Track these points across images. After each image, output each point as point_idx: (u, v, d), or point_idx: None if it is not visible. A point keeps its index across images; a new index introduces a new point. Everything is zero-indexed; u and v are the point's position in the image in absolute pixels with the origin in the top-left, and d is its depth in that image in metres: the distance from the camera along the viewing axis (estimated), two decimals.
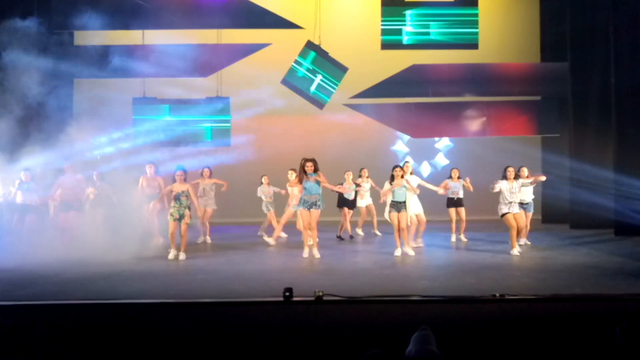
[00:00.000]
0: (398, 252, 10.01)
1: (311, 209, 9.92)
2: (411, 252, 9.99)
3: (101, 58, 13.08)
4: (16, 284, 7.87)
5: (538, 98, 14.86)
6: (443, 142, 16.25)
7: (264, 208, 12.58)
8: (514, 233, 10.15)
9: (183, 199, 9.82)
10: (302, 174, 9.89)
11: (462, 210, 11.73)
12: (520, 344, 5.81)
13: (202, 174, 11.98)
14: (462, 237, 11.76)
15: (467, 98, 14.46)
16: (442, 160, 16.22)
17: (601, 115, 13.28)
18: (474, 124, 14.40)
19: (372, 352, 3.99)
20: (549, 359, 5.28)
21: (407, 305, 6.65)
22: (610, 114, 12.63)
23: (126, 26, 13.29)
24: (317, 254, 9.88)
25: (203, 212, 11.73)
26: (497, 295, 6.71)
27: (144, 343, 6.09)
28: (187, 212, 9.88)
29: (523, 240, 10.96)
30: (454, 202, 11.71)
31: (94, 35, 13.85)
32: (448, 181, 11.70)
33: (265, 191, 12.54)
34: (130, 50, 13.58)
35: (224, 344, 6.12)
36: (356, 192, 12.32)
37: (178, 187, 9.88)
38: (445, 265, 9.47)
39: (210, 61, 13.82)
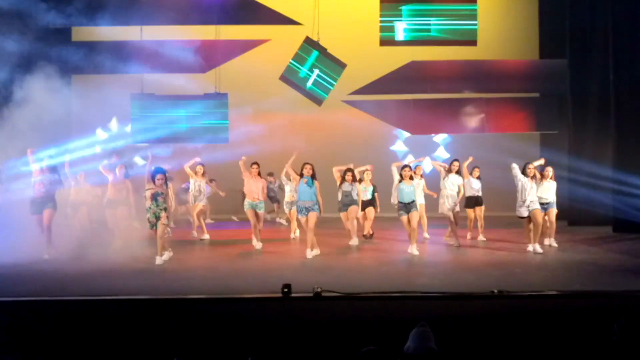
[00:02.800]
0: (414, 251, 9.87)
1: (308, 214, 9.74)
2: (416, 252, 9.86)
3: (99, 54, 13.01)
4: (17, 280, 7.88)
5: (537, 95, 14.85)
6: (441, 136, 16.25)
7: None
8: (527, 232, 10.05)
9: (160, 200, 9.34)
10: (299, 176, 9.82)
11: (482, 208, 11.42)
12: (518, 341, 5.81)
13: (195, 171, 11.91)
14: (481, 237, 11.36)
15: (465, 95, 14.45)
16: (442, 154, 16.24)
17: (600, 112, 13.28)
18: (473, 121, 14.38)
19: (367, 349, 3.97)
20: (548, 356, 5.27)
21: (406, 301, 6.66)
22: (610, 110, 12.63)
23: (124, 22, 13.21)
24: (309, 254, 9.68)
25: (192, 206, 11.78)
26: (496, 291, 6.73)
27: (144, 339, 6.08)
28: (163, 214, 9.29)
29: (548, 241, 10.58)
30: (475, 201, 11.37)
31: (92, 31, 13.81)
32: (470, 179, 11.36)
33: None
34: (128, 46, 13.52)
35: (223, 340, 6.10)
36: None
37: (157, 188, 9.33)
38: (445, 262, 9.47)
39: (208, 57, 13.75)
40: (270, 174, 14.39)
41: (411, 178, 10.16)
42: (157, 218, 9.28)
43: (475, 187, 11.37)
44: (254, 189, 10.62)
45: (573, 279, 7.85)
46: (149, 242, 9.96)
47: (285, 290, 6.51)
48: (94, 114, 14.46)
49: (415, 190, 10.34)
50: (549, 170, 10.46)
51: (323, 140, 15.21)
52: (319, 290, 6.57)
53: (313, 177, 9.79)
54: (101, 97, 13.90)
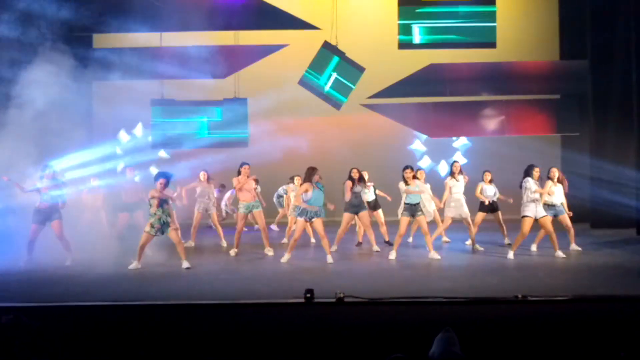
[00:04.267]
0: (434, 255, 9.73)
1: (312, 220, 9.62)
2: (437, 257, 9.70)
3: (120, 60, 13.14)
4: (41, 285, 7.98)
5: (557, 96, 14.70)
6: (461, 141, 16.15)
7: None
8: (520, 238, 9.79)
9: (166, 206, 9.23)
10: (308, 182, 9.63)
11: (499, 213, 11.09)
12: (543, 346, 5.76)
13: (199, 178, 11.89)
14: (506, 240, 11.10)
15: (485, 97, 14.36)
16: (460, 159, 16.12)
17: (622, 112, 13.12)
18: (492, 123, 14.29)
19: (394, 356, 3.97)
20: None
21: (429, 306, 6.64)
22: (632, 111, 12.47)
23: (144, 29, 13.34)
24: (330, 259, 9.58)
25: (199, 216, 11.72)
26: (520, 296, 6.68)
27: (167, 344, 6.12)
28: (171, 219, 9.25)
29: (572, 246, 10.32)
30: (488, 207, 11.02)
31: (112, 38, 13.96)
32: (482, 184, 11.08)
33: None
34: (148, 53, 13.65)
35: (245, 345, 6.12)
36: None
37: (160, 194, 9.23)
38: (466, 265, 9.41)
39: (227, 62, 13.84)
40: (292, 178, 14.34)
41: (415, 177, 10.00)
42: (163, 224, 9.20)
43: (489, 193, 11.03)
44: (249, 190, 10.52)
45: (597, 282, 7.77)
46: (166, 246, 10.02)
47: (308, 295, 6.52)
48: (115, 120, 14.60)
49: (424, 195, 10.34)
50: (554, 171, 10.16)
51: (342, 144, 15.21)
52: (342, 295, 6.57)
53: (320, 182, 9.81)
54: (122, 103, 14.04)
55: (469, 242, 10.93)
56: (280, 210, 13.89)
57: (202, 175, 11.88)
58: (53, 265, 9.33)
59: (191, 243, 11.63)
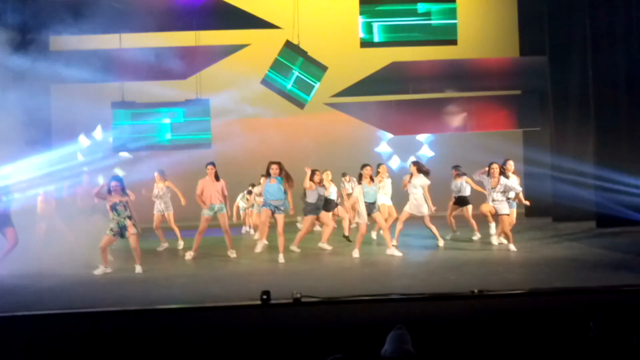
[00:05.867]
0: (394, 252, 9.82)
1: (275, 213, 9.84)
2: (398, 253, 9.78)
3: (78, 63, 12.90)
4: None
5: (518, 92, 14.88)
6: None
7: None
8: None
9: (120, 209, 9.11)
10: (266, 176, 9.90)
11: (467, 208, 11.39)
12: (497, 340, 5.80)
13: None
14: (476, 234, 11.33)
15: (447, 94, 14.45)
16: (427, 153, 16.28)
17: (581, 108, 13.31)
18: (455, 120, 14.39)
19: (333, 358, 3.96)
20: (526, 355, 5.26)
21: (386, 304, 6.65)
22: (590, 106, 12.67)
23: (103, 30, 13.10)
24: (281, 259, 9.63)
25: (161, 217, 11.52)
26: (476, 291, 6.72)
27: (123, 351, 6.03)
28: (129, 222, 9.14)
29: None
30: (459, 201, 11.41)
31: (70, 40, 13.70)
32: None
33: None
34: (107, 55, 13.42)
35: (202, 349, 6.06)
36: None
37: (114, 198, 9.19)
38: (427, 262, 9.46)
39: (189, 63, 13.68)
40: (252, 185, 14.28)
41: (372, 179, 10.05)
42: (121, 228, 9.13)
43: (454, 188, 11.42)
44: (213, 192, 10.33)
45: (554, 276, 7.86)
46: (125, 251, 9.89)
47: (264, 297, 6.46)
48: (74, 124, 14.36)
49: (381, 190, 10.47)
50: (510, 164, 10.68)
51: (306, 143, 15.18)
52: (299, 295, 6.53)
53: (282, 176, 9.85)
54: (81, 106, 13.81)
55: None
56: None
57: (156, 177, 11.64)
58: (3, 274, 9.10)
59: (180, 243, 11.49)
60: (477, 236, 11.15)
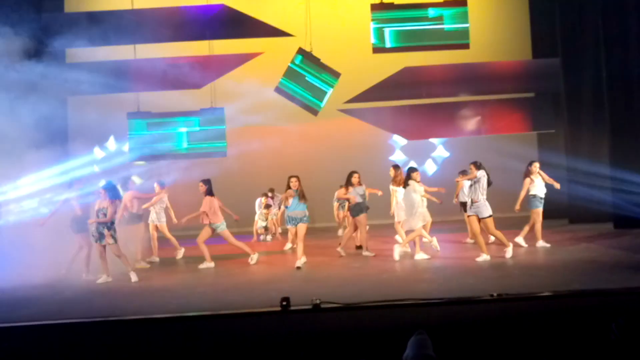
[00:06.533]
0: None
1: (298, 225, 9.98)
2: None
3: (94, 75, 13.06)
4: (14, 304, 7.89)
5: (532, 95, 14.85)
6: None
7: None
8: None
9: (101, 215, 9.22)
10: (287, 189, 10.03)
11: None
12: (518, 343, 5.80)
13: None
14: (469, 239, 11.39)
15: (460, 98, 14.43)
16: (442, 153, 16.32)
17: (595, 108, 13.28)
18: (469, 124, 14.36)
19: None
20: (547, 357, 5.26)
21: (406, 309, 6.66)
22: (604, 107, 12.63)
23: (118, 42, 13.27)
24: (299, 263, 9.78)
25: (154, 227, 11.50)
26: (495, 295, 6.72)
27: (144, 359, 6.09)
28: (106, 232, 9.20)
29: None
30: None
31: (85, 52, 13.88)
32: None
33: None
34: (123, 66, 13.58)
35: (223, 356, 6.11)
36: None
37: (100, 204, 9.32)
38: (444, 267, 9.44)
39: (203, 73, 13.78)
40: (271, 190, 14.32)
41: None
42: (100, 233, 9.22)
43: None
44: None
45: (572, 278, 7.84)
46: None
47: (284, 303, 6.51)
48: (91, 135, 14.52)
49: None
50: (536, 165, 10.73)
51: (320, 150, 15.26)
52: (318, 302, 6.57)
53: (299, 189, 10.00)
54: (98, 117, 13.97)
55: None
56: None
57: (156, 187, 11.54)
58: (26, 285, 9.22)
59: (180, 252, 11.57)
60: (471, 241, 11.17)
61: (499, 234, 9.78)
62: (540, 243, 10.50)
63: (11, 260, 9.79)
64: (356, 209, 10.62)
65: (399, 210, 10.46)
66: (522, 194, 10.60)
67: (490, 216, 9.64)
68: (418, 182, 10.12)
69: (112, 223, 9.32)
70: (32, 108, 11.40)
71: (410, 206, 10.06)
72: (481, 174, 9.64)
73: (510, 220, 11.90)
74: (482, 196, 9.60)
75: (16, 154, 11.35)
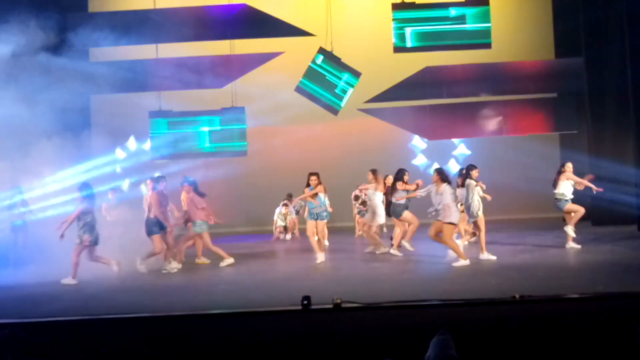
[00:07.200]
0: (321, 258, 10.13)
1: (318, 220, 10.20)
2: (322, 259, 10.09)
3: (116, 74, 13.19)
4: (40, 300, 8.00)
5: (554, 95, 14.70)
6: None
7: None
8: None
9: (81, 216, 9.33)
10: (307, 187, 10.24)
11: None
12: (541, 346, 5.75)
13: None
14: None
15: (482, 98, 14.34)
16: (465, 151, 16.26)
17: (619, 109, 13.10)
18: (491, 124, 14.26)
19: None
20: None
21: (427, 309, 6.61)
22: (629, 107, 12.46)
23: (140, 41, 13.42)
24: (320, 257, 10.08)
25: None
26: (517, 296, 6.65)
27: (168, 355, 6.13)
28: (83, 235, 9.29)
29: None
30: None
31: (108, 51, 14.03)
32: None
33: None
34: (145, 65, 13.71)
35: (244, 354, 6.13)
36: None
37: (82, 206, 9.42)
38: (465, 267, 9.37)
39: (224, 72, 13.88)
40: (289, 195, 14.34)
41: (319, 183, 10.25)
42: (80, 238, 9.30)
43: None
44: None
45: (596, 280, 7.74)
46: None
47: (305, 302, 6.51)
48: (114, 133, 14.65)
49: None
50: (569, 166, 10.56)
51: (340, 149, 15.25)
52: (339, 301, 6.55)
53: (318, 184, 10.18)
54: (120, 116, 14.10)
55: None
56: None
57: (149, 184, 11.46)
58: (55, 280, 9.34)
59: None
60: (466, 242, 10.93)
61: (454, 244, 9.56)
62: (570, 244, 10.39)
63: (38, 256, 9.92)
64: (397, 210, 10.50)
65: (452, 211, 9.50)
66: (577, 180, 10.48)
67: (451, 223, 9.37)
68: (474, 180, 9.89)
69: (85, 224, 9.30)
70: (55, 106, 11.54)
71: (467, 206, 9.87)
72: (445, 189, 9.36)
73: (535, 222, 11.76)
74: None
75: (38, 149, 11.50)
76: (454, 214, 9.29)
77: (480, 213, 9.78)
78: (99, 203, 10.75)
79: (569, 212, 10.49)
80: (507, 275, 8.38)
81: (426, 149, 16.29)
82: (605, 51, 13.26)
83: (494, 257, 9.65)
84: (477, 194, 9.83)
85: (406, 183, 10.53)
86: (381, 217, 10.95)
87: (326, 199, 10.33)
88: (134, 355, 6.13)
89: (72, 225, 9.35)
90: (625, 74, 12.48)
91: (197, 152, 14.08)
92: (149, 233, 9.84)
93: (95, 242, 9.43)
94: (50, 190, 11.46)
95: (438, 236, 9.49)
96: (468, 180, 9.83)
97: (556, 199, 10.49)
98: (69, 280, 9.22)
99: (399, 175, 10.56)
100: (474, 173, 9.84)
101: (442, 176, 9.47)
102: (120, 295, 8.20)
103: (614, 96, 13.27)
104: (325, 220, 10.37)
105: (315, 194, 10.15)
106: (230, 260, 10.24)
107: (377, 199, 10.94)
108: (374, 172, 11.11)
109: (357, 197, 13.25)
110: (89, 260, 9.48)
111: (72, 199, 10.21)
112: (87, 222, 9.32)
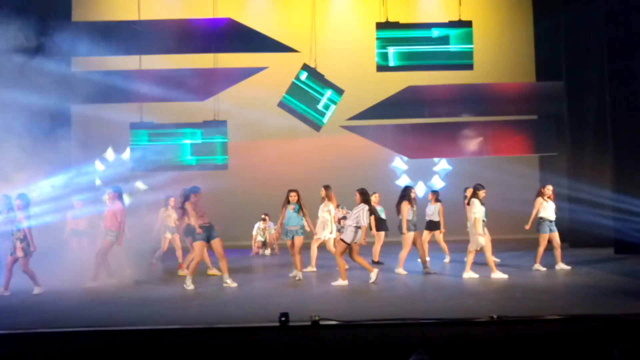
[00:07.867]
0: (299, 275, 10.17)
1: (294, 238, 10.18)
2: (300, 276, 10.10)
3: (98, 84, 13.08)
4: (14, 312, 7.84)
5: (535, 117, 14.89)
6: (441, 165, 16.37)
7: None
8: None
9: (14, 229, 9.15)
10: (285, 203, 10.25)
11: (438, 233, 11.80)
12: None
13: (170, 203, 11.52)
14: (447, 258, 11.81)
15: (463, 118, 14.49)
16: (438, 183, 16.37)
17: (598, 133, 13.31)
18: (471, 144, 14.40)
19: None
20: None
21: (405, 328, 6.58)
22: (607, 132, 12.65)
23: (123, 52, 13.35)
24: (298, 275, 10.12)
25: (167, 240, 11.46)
26: (495, 316, 6.66)
27: None
28: (18, 244, 9.05)
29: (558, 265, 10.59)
30: (431, 225, 11.78)
31: (91, 61, 13.93)
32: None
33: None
34: (127, 76, 13.62)
35: None
36: None
37: (18, 215, 9.22)
38: (445, 286, 9.38)
39: (207, 85, 13.86)
40: (266, 215, 14.31)
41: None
42: (14, 246, 9.10)
43: (428, 212, 11.85)
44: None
45: (573, 302, 7.78)
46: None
47: (283, 319, 6.44)
48: (94, 144, 14.53)
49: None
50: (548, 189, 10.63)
51: (322, 166, 15.25)
52: (317, 318, 6.50)
53: (299, 203, 10.21)
54: (101, 126, 13.96)
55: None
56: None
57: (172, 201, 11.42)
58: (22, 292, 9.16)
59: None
60: (447, 259, 11.69)
61: (342, 263, 9.66)
62: (537, 266, 10.48)
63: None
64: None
65: (348, 231, 9.60)
66: (534, 213, 10.50)
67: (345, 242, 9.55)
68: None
69: (25, 235, 9.10)
70: (36, 116, 11.40)
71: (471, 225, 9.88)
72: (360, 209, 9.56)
73: (512, 242, 11.85)
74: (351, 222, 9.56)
75: (20, 161, 11.32)
76: (348, 233, 9.50)
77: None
78: (65, 213, 10.70)
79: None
80: (485, 296, 8.40)
81: (408, 164, 16.37)
82: (585, 76, 13.51)
83: (476, 275, 9.84)
84: (479, 214, 9.78)
85: (413, 199, 10.71)
86: (325, 233, 11.02)
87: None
88: None
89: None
90: (604, 98, 12.68)
91: (178, 165, 13.97)
92: (194, 239, 9.73)
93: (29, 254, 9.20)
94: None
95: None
96: (473, 199, 9.93)
97: (540, 217, 10.53)
98: (38, 290, 9.12)
99: (405, 193, 10.74)
100: (481, 193, 9.93)
101: (364, 197, 9.73)
102: (97, 307, 8.06)
103: (593, 120, 13.50)
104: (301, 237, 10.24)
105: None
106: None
107: (327, 214, 11.03)
108: (326, 187, 11.22)
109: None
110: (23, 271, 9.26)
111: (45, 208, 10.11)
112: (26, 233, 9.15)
